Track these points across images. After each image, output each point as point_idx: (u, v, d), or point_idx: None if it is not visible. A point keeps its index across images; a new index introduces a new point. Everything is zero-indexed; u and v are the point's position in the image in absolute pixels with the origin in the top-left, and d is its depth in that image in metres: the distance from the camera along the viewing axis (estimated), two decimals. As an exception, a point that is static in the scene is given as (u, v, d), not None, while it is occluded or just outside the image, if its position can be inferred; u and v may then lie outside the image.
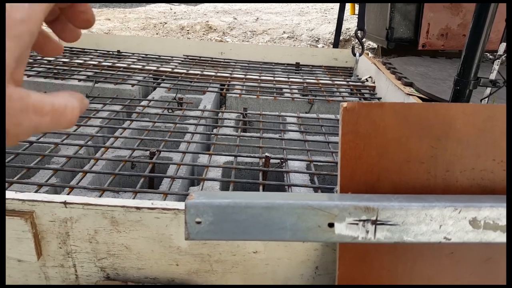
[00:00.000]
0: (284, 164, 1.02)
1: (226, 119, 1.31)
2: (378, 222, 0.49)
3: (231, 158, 1.02)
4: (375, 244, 0.59)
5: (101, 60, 1.87)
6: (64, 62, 1.76)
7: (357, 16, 4.23)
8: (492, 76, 1.22)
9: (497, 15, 1.12)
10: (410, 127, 0.58)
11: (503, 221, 0.50)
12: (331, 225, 0.49)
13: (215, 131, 1.21)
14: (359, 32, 1.81)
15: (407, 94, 1.38)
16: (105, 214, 0.61)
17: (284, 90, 1.66)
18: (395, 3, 2.10)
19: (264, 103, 1.55)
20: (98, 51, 2.08)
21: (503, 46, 1.21)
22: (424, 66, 1.83)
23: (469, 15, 2.06)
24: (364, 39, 1.88)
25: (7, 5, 0.24)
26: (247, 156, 1.03)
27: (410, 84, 1.47)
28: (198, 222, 0.48)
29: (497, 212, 0.50)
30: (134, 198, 0.79)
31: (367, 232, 0.49)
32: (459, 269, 0.61)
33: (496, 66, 1.21)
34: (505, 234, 0.50)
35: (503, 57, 1.25)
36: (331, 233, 0.49)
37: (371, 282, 0.60)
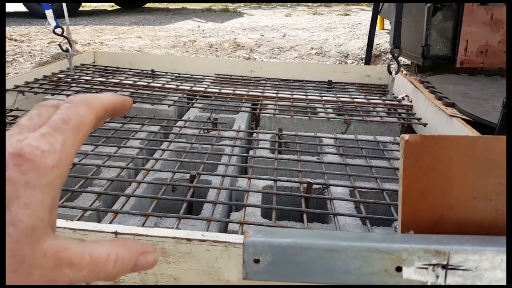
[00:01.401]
0: (326, 190, 0.99)
1: (261, 140, 1.30)
2: (449, 267, 0.45)
3: (270, 182, 1.00)
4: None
5: (136, 79, 1.91)
6: (100, 81, 1.80)
7: (386, 31, 4.18)
8: (544, 98, 1.15)
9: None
10: (476, 162, 0.55)
11: None
12: (399, 269, 0.46)
13: (251, 152, 1.20)
14: (394, 50, 1.77)
15: (450, 115, 1.33)
16: (155, 245, 0.60)
17: (318, 110, 1.64)
18: (432, 19, 2.06)
19: (299, 123, 1.53)
20: (132, 70, 2.13)
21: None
22: (464, 85, 1.77)
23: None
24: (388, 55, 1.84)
25: (34, 148, 0.21)
26: (287, 181, 1.01)
27: (452, 105, 1.42)
28: (256, 261, 0.46)
29: None
30: (178, 224, 0.78)
31: (437, 277, 0.46)
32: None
33: (548, 87, 1.15)
34: None
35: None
36: (398, 278, 0.46)
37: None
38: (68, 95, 1.58)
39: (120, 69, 2.14)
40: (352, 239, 0.47)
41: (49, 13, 1.84)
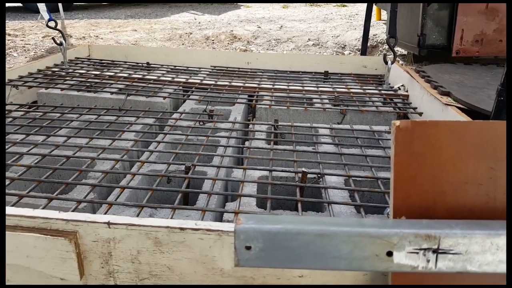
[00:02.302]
0: (321, 179, 0.99)
1: (257, 131, 1.30)
2: (440, 251, 0.46)
3: (265, 173, 1.00)
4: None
5: (131, 72, 1.90)
6: (95, 74, 1.79)
7: (383, 21, 4.15)
8: (538, 85, 1.15)
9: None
10: (467, 147, 0.55)
11: None
12: (389, 253, 0.46)
13: (246, 143, 1.20)
14: (390, 39, 1.77)
15: (445, 104, 1.33)
16: (148, 234, 0.61)
17: (314, 100, 1.64)
18: (427, 8, 2.05)
19: (295, 114, 1.52)
20: (127, 63, 2.12)
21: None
22: (459, 74, 1.77)
23: (505, 20, 1.98)
24: (385, 45, 1.83)
25: None
26: (282, 171, 1.01)
27: (447, 94, 1.42)
28: (248, 248, 0.47)
29: None
30: (172, 215, 0.78)
31: (428, 261, 0.46)
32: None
33: (542, 74, 1.14)
34: None
35: None
36: (389, 263, 0.46)
37: (426, 311, 0.57)
38: (62, 89, 1.57)
39: (115, 62, 2.13)
40: (343, 224, 0.47)
41: (41, 6, 1.83)
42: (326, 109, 1.52)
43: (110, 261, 0.63)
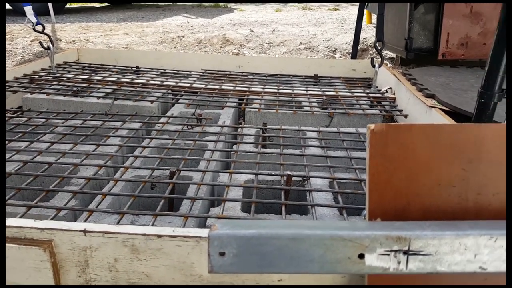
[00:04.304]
0: (306, 182, 1.00)
1: (245, 134, 1.30)
2: (410, 252, 0.46)
3: (251, 176, 1.01)
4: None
5: (120, 76, 1.89)
6: (83, 79, 1.79)
7: (374, 25, 4.18)
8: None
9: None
10: (440, 149, 0.55)
11: (547, 252, 0.47)
12: (361, 256, 0.46)
13: (234, 147, 1.20)
14: (378, 43, 1.78)
15: (429, 106, 1.34)
16: (125, 242, 0.60)
17: (303, 104, 1.65)
18: (414, 12, 2.07)
19: (284, 117, 1.53)
20: (117, 67, 2.11)
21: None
22: (445, 77, 1.79)
23: (489, 23, 2.01)
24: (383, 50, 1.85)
25: None
26: (268, 174, 1.01)
27: (431, 96, 1.43)
28: (222, 254, 0.47)
29: (540, 242, 0.46)
30: (154, 221, 0.78)
31: (399, 263, 0.46)
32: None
33: (522, 76, 1.16)
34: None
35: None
36: (361, 265, 0.46)
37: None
38: (48, 93, 1.56)
39: (104, 66, 2.12)
40: (316, 227, 0.47)
41: (28, 9, 1.82)
42: (314, 112, 1.53)
43: (87, 270, 0.63)
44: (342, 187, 0.98)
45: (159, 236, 0.59)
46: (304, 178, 0.99)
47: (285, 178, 0.97)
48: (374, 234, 0.46)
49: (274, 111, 1.52)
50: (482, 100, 1.17)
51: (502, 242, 0.47)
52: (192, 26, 4.42)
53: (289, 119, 1.52)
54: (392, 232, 0.46)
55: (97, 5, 7.41)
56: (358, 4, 2.54)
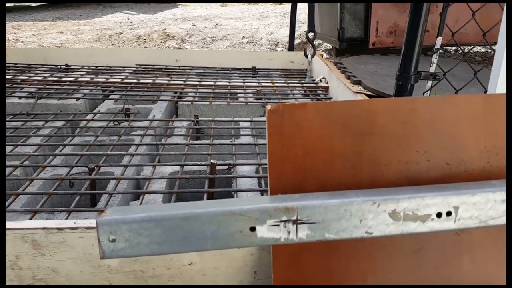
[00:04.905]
0: (232, 169, 1.01)
1: (176, 127, 1.28)
2: (299, 222, 0.48)
3: (177, 168, 1.00)
4: (307, 244, 0.59)
5: (48, 75, 1.80)
6: (6, 79, 1.67)
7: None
8: (432, 69, 1.25)
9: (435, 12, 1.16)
10: (333, 125, 0.58)
11: (422, 211, 0.51)
12: (252, 229, 0.48)
13: (163, 141, 1.19)
14: (309, 34, 1.83)
15: (355, 92, 1.40)
16: (25, 238, 0.58)
17: (239, 95, 1.66)
18: (344, 3, 2.14)
19: (218, 109, 1.53)
20: (45, 66, 2.00)
21: (439, 40, 1.25)
22: (374, 64, 1.88)
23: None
24: (317, 40, 1.90)
25: None
26: (193, 165, 1.01)
27: (358, 83, 1.50)
28: (113, 240, 0.46)
29: (415, 203, 0.50)
30: (67, 218, 0.75)
31: (289, 232, 0.48)
32: (392, 261, 0.62)
33: (434, 59, 1.25)
34: (425, 223, 0.51)
35: (440, 50, 1.29)
36: (253, 237, 0.48)
37: (306, 282, 0.60)
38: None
39: (31, 65, 2.01)
40: (208, 206, 0.48)
41: None
42: (248, 103, 1.54)
43: (-13, 270, 0.59)
44: (266, 172, 1.00)
45: (60, 229, 0.57)
46: (230, 165, 1.00)
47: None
48: (263, 206, 0.48)
49: (208, 103, 1.51)
50: (400, 83, 1.24)
51: (385, 206, 0.50)
52: (131, 22, 4.29)
53: (224, 111, 1.53)
54: (280, 204, 0.48)
55: (33, 4, 6.95)
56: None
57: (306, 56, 1.87)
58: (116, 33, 3.54)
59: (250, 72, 2.07)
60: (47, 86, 1.59)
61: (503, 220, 0.55)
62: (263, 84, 1.81)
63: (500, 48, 0.83)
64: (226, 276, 0.63)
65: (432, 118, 0.60)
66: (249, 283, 0.65)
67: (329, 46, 2.96)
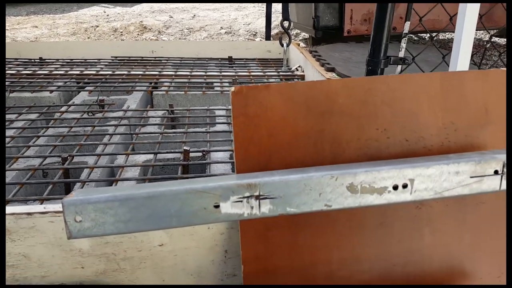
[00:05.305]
0: (206, 156, 1.02)
1: (151, 117, 1.29)
2: (261, 197, 0.50)
3: (150, 156, 1.01)
4: (273, 220, 0.61)
5: (21, 68, 1.76)
6: (-23, 73, 1.64)
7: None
8: (401, 54, 1.29)
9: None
10: (295, 106, 0.60)
11: (378, 184, 0.53)
12: (216, 206, 0.49)
13: (137, 130, 1.19)
14: (284, 22, 1.85)
15: (328, 79, 1.43)
16: (-7, 224, 0.58)
17: (215, 85, 1.66)
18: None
19: (193, 99, 1.54)
20: (18, 60, 1.97)
21: (407, 25, 1.28)
22: (349, 52, 1.91)
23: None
24: (292, 29, 1.92)
25: None
26: (167, 152, 1.02)
27: (332, 70, 1.53)
28: (79, 220, 0.47)
29: (372, 176, 0.53)
30: (40, 206, 0.76)
31: (252, 208, 0.50)
32: (355, 236, 0.65)
33: (403, 44, 1.28)
34: (382, 196, 0.53)
35: (415, 37, 1.32)
36: (217, 214, 0.50)
37: (273, 258, 0.62)
38: None
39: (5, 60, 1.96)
40: (172, 185, 0.50)
41: None
42: (224, 92, 1.55)
43: (-43, 258, 0.60)
44: (241, 158, 1.02)
45: (29, 213, 0.58)
46: (204, 152, 1.02)
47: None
48: (226, 183, 0.49)
49: (183, 92, 1.52)
50: (370, 68, 1.27)
51: (342, 180, 0.53)
52: (108, 15, 4.21)
53: (199, 100, 1.53)
54: (242, 181, 0.50)
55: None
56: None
57: (282, 45, 1.89)
58: (92, 27, 3.48)
59: (227, 62, 2.08)
60: (20, 80, 1.56)
61: (457, 191, 0.58)
62: (240, 73, 1.82)
63: (459, 29, 0.86)
64: (197, 256, 0.65)
65: (390, 96, 0.63)
66: (221, 262, 0.67)
67: (307, 35, 2.98)
